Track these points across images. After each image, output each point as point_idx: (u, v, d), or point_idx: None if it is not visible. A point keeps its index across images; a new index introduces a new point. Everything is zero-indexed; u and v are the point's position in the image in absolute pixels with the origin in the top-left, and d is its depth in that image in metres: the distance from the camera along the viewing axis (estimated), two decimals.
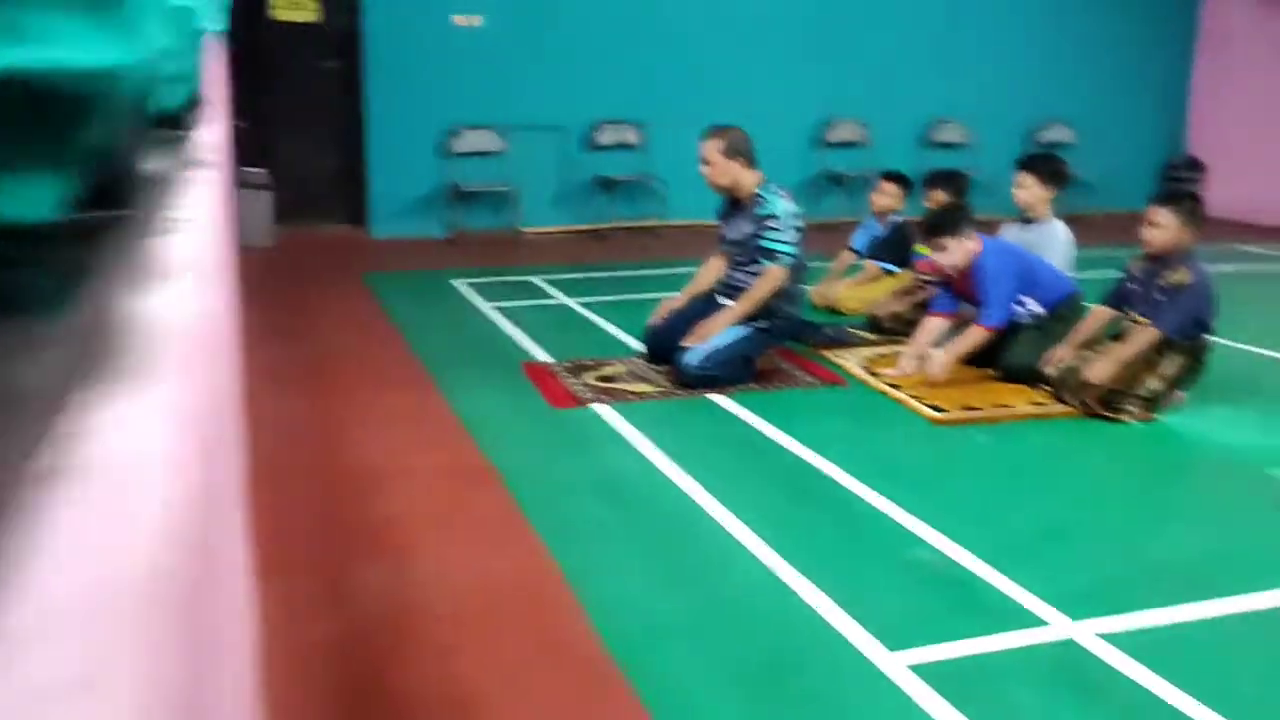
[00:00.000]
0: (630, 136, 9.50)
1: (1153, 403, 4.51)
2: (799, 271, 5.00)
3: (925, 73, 10.34)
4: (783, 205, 4.84)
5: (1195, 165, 11.22)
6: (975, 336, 4.85)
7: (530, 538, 3.31)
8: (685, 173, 9.52)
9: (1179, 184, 11.19)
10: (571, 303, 6.69)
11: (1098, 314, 4.81)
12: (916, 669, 2.59)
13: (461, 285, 7.12)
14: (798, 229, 4.87)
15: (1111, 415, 4.46)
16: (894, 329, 5.81)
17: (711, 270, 5.28)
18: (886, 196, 6.42)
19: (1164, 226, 4.49)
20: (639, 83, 9.50)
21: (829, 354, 5.45)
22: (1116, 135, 11.06)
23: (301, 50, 8.96)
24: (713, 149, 4.87)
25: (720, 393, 4.77)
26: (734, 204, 5.06)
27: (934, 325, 5.10)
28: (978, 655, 2.69)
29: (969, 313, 5.01)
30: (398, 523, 3.43)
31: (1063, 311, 5.01)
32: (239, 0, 8.55)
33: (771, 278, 4.86)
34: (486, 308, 6.50)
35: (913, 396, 4.73)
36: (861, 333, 5.87)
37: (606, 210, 9.42)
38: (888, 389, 4.86)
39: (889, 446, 4.21)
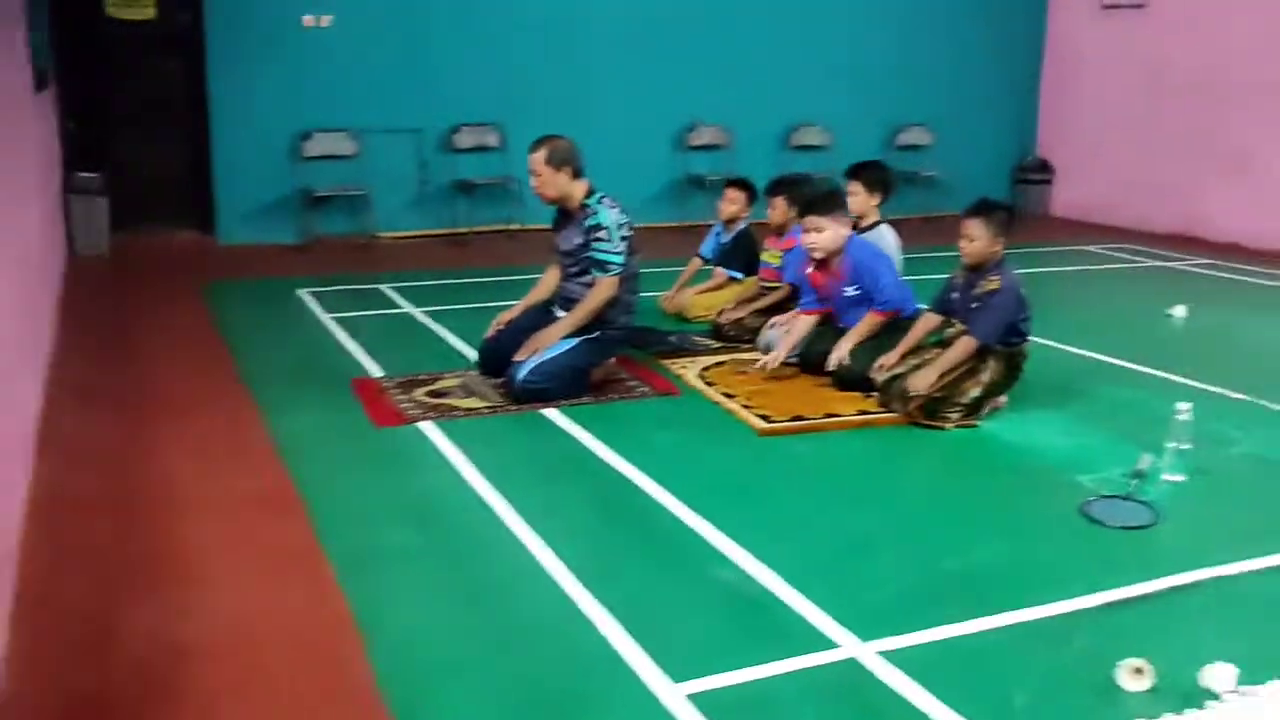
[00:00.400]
0: (490, 139, 9.36)
1: (974, 409, 4.59)
2: (632, 280, 4.96)
3: (787, 77, 10.44)
4: (610, 215, 4.79)
5: (1044, 167, 11.59)
6: (872, 322, 4.97)
7: (324, 568, 3.18)
8: None
9: (1029, 185, 11.56)
10: (417, 312, 6.54)
11: (926, 320, 4.87)
12: (695, 698, 2.56)
13: (305, 295, 6.91)
14: (625, 238, 4.83)
15: (933, 423, 4.53)
16: (736, 336, 5.82)
17: (548, 281, 5.20)
18: (732, 204, 6.43)
19: (976, 238, 4.57)
20: (498, 85, 9.37)
21: (670, 362, 5.42)
22: (972, 138, 11.34)
23: (139, 49, 8.59)
24: (539, 160, 4.79)
25: (552, 406, 4.69)
26: (565, 215, 4.99)
27: (804, 323, 5.22)
28: (761, 680, 2.66)
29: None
30: (184, 555, 3.27)
31: (900, 320, 5.06)
32: None
33: (603, 288, 4.81)
34: (326, 319, 6.31)
35: (744, 406, 4.73)
36: (705, 340, 5.86)
37: (465, 214, 9.27)
38: (720, 399, 4.85)
39: (711, 459, 4.18)
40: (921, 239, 9.72)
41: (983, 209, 4.60)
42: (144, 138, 8.77)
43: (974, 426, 4.55)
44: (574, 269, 4.96)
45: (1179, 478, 3.97)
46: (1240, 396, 5.05)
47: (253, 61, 8.52)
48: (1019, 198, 11.66)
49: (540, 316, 5.05)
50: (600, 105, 9.77)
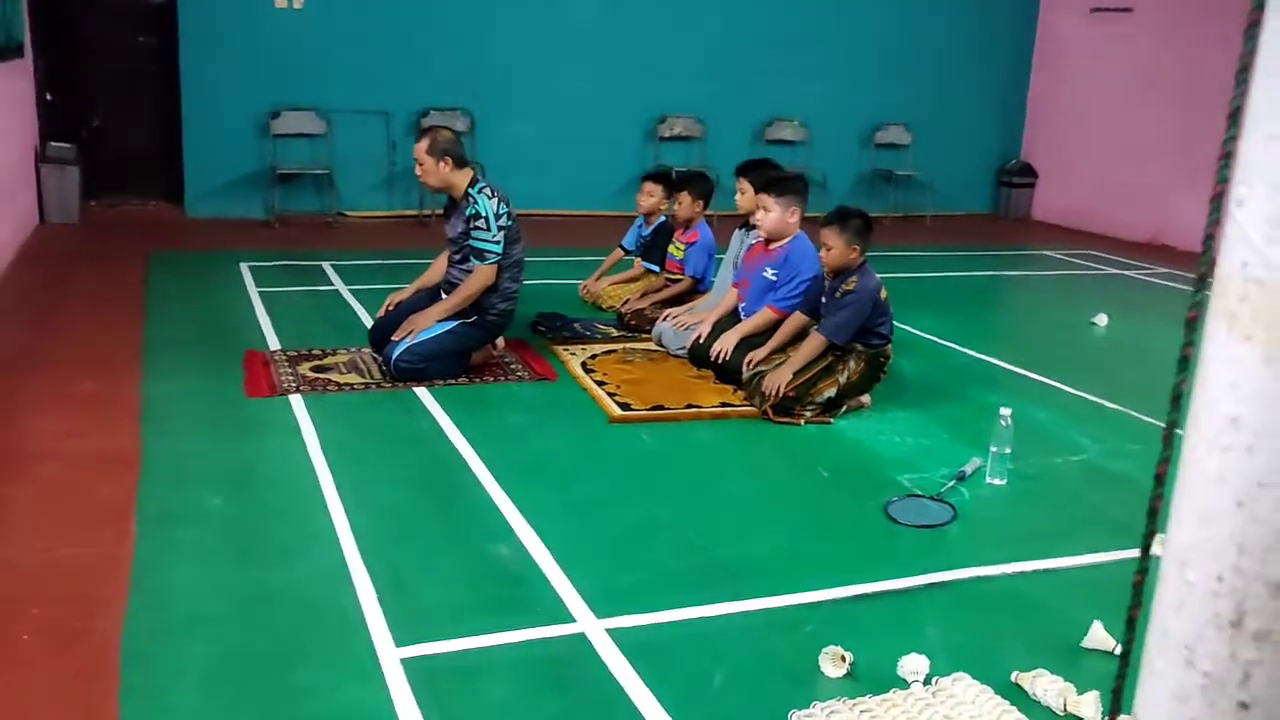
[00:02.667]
0: (459, 124, 9.51)
1: (830, 407, 4.67)
2: (514, 269, 5.09)
3: (762, 70, 10.48)
4: (489, 205, 4.92)
5: (1028, 171, 11.53)
6: (766, 317, 5.09)
7: (127, 526, 3.37)
8: (514, 161, 9.64)
9: (1012, 189, 11.51)
10: (345, 290, 6.72)
11: (796, 319, 4.96)
12: (407, 663, 2.70)
13: (245, 269, 7.12)
14: (504, 227, 4.95)
15: (787, 420, 4.62)
16: (636, 325, 5.93)
17: (439, 266, 5.35)
18: (650, 196, 6.52)
19: (833, 246, 4.65)
20: (469, 71, 9.53)
21: (562, 348, 5.55)
22: (953, 139, 11.31)
23: (115, 24, 8.85)
24: (421, 150, 4.94)
25: (425, 386, 4.85)
26: (451, 203, 5.13)
27: (731, 297, 5.43)
28: (483, 649, 2.79)
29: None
30: (5, 505, 3.46)
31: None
32: None
33: (479, 276, 4.94)
34: (254, 293, 6.51)
35: (610, 394, 4.85)
36: (607, 328, 5.98)
37: (431, 197, 9.43)
38: (591, 386, 4.97)
39: (548, 443, 4.31)
40: (895, 238, 9.79)
41: (838, 218, 4.68)
42: (118, 111, 9.04)
43: (828, 423, 4.64)
44: (457, 256, 5.10)
45: (999, 481, 4.03)
46: (1114, 407, 5.08)
47: (224, 40, 8.75)
48: (1001, 200, 11.64)
49: (429, 299, 5.20)
50: (571, 94, 9.90)
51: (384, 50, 9.23)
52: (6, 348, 5.14)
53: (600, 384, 5.00)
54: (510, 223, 5.00)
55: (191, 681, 2.60)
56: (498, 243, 4.93)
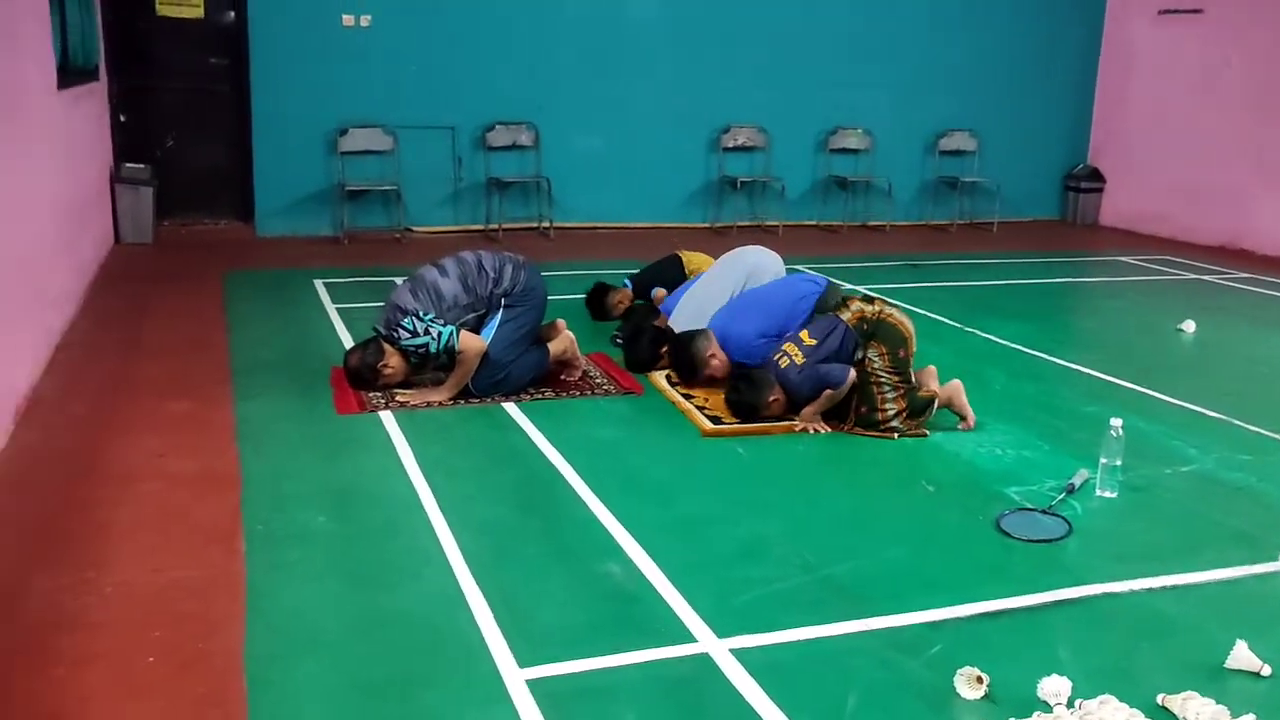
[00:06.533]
0: (524, 138, 9.54)
1: (914, 414, 4.54)
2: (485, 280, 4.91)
3: (825, 79, 10.40)
4: (412, 340, 4.75)
5: (1095, 176, 11.33)
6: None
7: (235, 546, 3.36)
8: (578, 173, 9.65)
9: (1079, 194, 11.32)
10: None
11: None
12: (533, 684, 2.65)
13: (320, 285, 7.16)
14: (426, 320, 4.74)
15: (878, 433, 4.52)
16: None
17: None
18: None
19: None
20: (533, 85, 9.54)
21: None
22: (1018, 144, 11.15)
23: (187, 46, 8.97)
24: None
25: (515, 400, 4.82)
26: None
27: None
28: (607, 670, 2.74)
29: None
30: (112, 527, 3.47)
31: None
32: None
33: (464, 354, 4.75)
34: (331, 309, 6.54)
35: (698, 407, 4.79)
36: None
37: (497, 211, 9.46)
38: (678, 399, 4.92)
39: (643, 458, 4.26)
40: (961, 245, 9.68)
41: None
42: (190, 131, 9.15)
43: (924, 435, 4.54)
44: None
45: (1110, 494, 3.92)
46: (1216, 415, 4.94)
47: (293, 59, 8.83)
48: (1069, 206, 11.45)
49: None
50: (635, 106, 9.88)
51: (449, 66, 9.27)
52: (97, 370, 5.19)
53: (687, 397, 4.94)
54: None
55: (318, 705, 2.58)
56: (429, 333, 4.70)
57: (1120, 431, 3.90)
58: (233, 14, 8.99)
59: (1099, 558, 3.45)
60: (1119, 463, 3.93)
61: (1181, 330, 6.61)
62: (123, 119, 8.81)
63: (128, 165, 8.48)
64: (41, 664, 2.70)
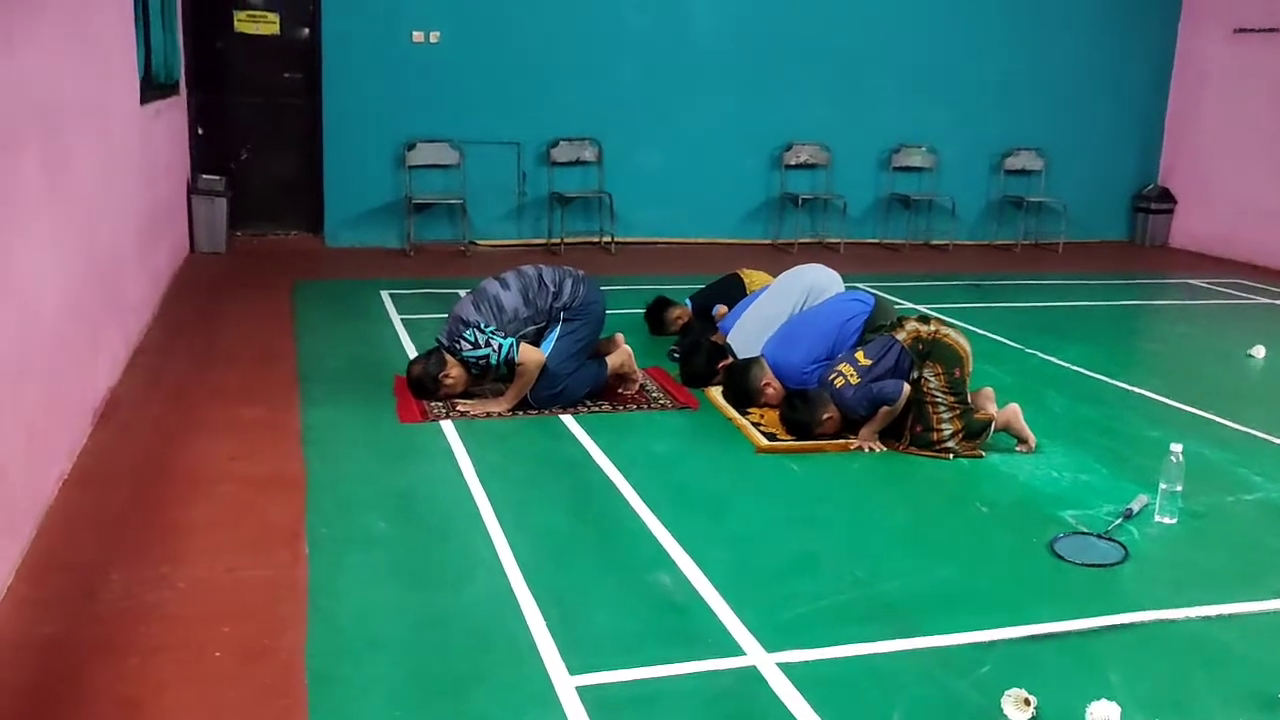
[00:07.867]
0: (587, 154, 9.66)
1: (974, 439, 4.54)
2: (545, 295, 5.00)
3: (888, 96, 10.37)
4: (474, 351, 4.83)
5: (1166, 196, 11.15)
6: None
7: (299, 547, 3.47)
8: (641, 189, 9.74)
9: (1149, 215, 11.15)
10: None
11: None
12: (583, 691, 2.71)
13: (386, 296, 7.32)
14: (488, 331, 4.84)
15: (934, 453, 4.52)
16: None
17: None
18: None
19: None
20: (597, 101, 9.65)
21: None
22: (1087, 164, 11.01)
23: (262, 62, 9.24)
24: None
25: (572, 413, 4.90)
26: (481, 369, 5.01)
27: None
28: (655, 679, 2.79)
29: None
30: (184, 527, 3.61)
31: None
32: (203, 15, 8.90)
33: (523, 367, 4.85)
34: (397, 320, 6.69)
35: (754, 424, 4.82)
36: None
37: (560, 225, 9.58)
38: (734, 415, 4.96)
39: (698, 471, 4.31)
40: (1027, 265, 9.59)
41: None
42: (264, 144, 9.41)
43: (980, 456, 4.53)
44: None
45: (1170, 520, 3.88)
46: None
47: (364, 74, 9.05)
48: (1138, 227, 11.28)
49: None
50: (698, 122, 9.95)
51: (515, 82, 9.42)
52: (174, 374, 5.37)
53: (743, 413, 4.98)
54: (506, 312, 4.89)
55: (375, 702, 2.66)
56: (490, 345, 4.79)
57: (1180, 457, 3.86)
58: (307, 31, 9.24)
59: (1155, 584, 3.43)
60: (1179, 488, 3.89)
61: (1252, 356, 6.49)
62: (200, 132, 9.09)
63: (204, 177, 8.75)
64: (120, 653, 2.82)
